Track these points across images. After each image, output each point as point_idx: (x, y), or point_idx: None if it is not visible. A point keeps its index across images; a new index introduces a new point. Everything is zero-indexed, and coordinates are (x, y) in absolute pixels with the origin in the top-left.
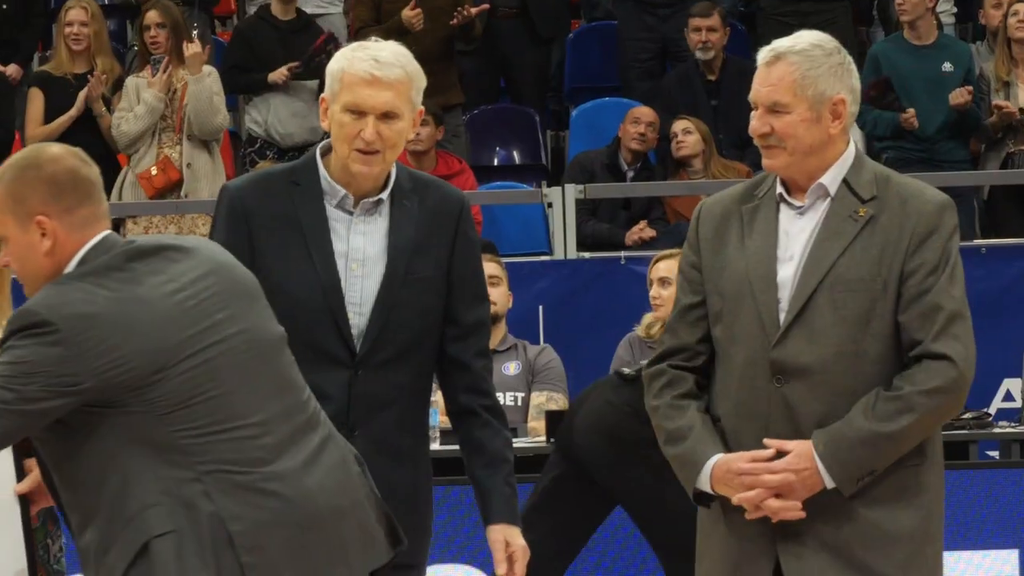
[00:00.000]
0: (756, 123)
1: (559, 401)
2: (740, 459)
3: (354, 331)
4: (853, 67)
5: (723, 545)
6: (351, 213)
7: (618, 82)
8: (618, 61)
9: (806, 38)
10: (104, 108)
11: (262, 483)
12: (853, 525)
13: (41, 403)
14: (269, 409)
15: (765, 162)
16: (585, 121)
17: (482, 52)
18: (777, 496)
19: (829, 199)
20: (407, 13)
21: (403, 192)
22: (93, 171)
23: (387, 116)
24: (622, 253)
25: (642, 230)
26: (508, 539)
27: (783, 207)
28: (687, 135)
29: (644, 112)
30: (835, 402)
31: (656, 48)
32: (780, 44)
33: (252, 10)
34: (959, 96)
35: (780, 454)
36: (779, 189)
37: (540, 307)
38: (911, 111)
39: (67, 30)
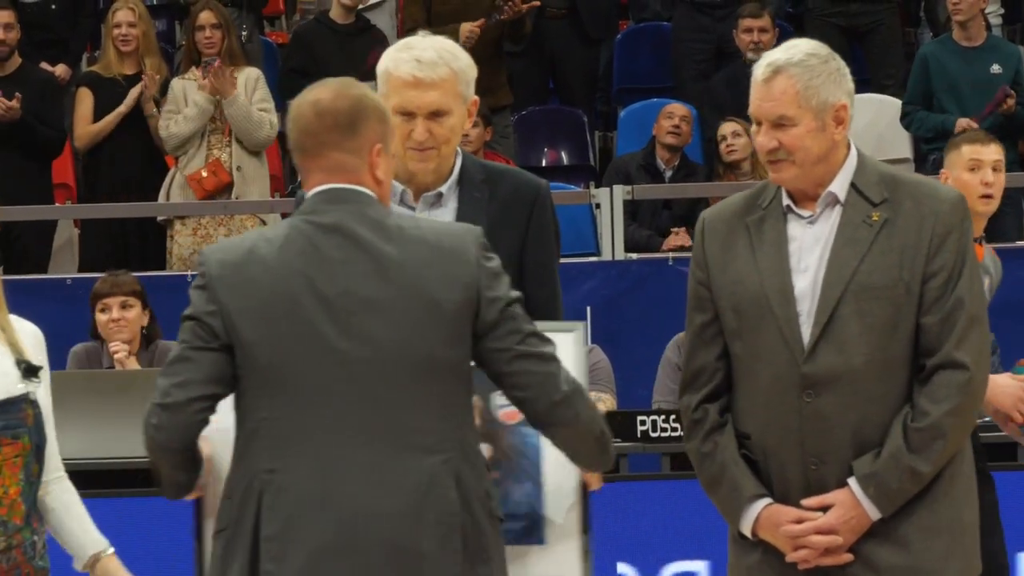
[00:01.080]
0: (763, 139)
1: (607, 402)
2: (786, 517)
3: None
4: (847, 71)
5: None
6: (412, 208)
7: (666, 82)
8: (672, 62)
9: (800, 48)
10: (155, 108)
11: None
12: (888, 525)
13: None
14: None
15: (773, 176)
16: (633, 122)
17: (530, 52)
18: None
19: (840, 206)
20: (467, 26)
21: (473, 183)
22: None
23: (436, 114)
24: (670, 254)
25: (678, 236)
26: None
27: (791, 217)
28: (736, 138)
29: (676, 108)
30: (868, 409)
31: (711, 49)
32: (775, 57)
33: (301, 11)
34: (1005, 104)
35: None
36: (786, 200)
37: (588, 308)
38: (963, 121)
39: (115, 31)
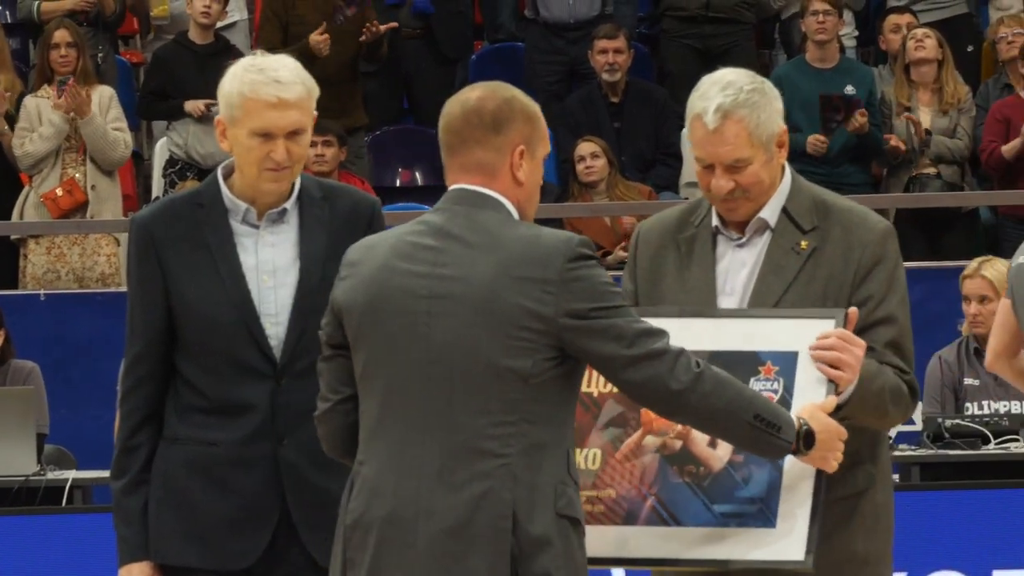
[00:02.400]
0: (720, 182)
1: None
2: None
3: (273, 342)
4: (777, 92)
5: None
6: (257, 227)
7: None
8: (525, 83)
9: (736, 83)
10: (6, 126)
11: None
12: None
13: None
14: None
15: (728, 215)
16: None
17: (385, 72)
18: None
19: (769, 231)
20: (315, 38)
21: (313, 200)
22: None
23: (295, 133)
24: None
25: None
26: None
27: (720, 239)
28: (595, 159)
29: None
30: None
31: (564, 71)
32: (720, 101)
33: (155, 28)
34: (855, 121)
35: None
36: (715, 221)
37: None
38: (815, 137)
39: None
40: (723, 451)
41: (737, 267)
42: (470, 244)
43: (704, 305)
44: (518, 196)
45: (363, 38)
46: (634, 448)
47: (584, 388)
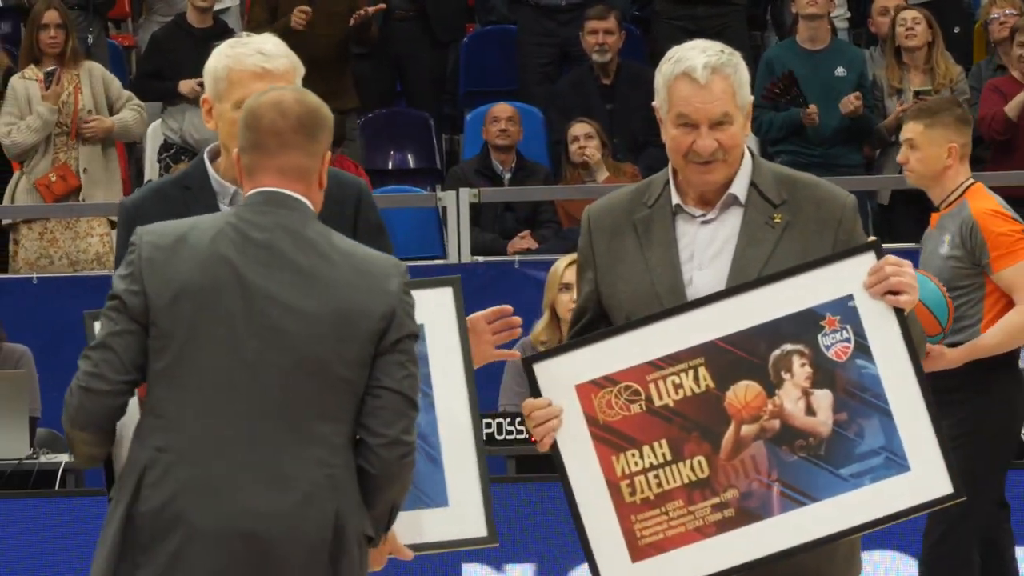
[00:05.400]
0: (705, 142)
1: None
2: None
3: None
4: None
5: None
6: None
7: (513, 86)
8: (518, 65)
9: (715, 47)
10: None
11: None
12: None
13: None
14: None
15: (705, 178)
16: (479, 125)
17: (377, 54)
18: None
19: (739, 207)
20: (295, 13)
21: None
22: None
23: None
24: (516, 257)
25: (524, 240)
26: None
27: (682, 217)
28: (589, 140)
29: (501, 109)
30: None
31: (555, 52)
32: (706, 59)
33: (148, 13)
34: (848, 104)
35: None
36: (675, 199)
37: None
38: (812, 107)
39: None
40: (823, 414)
41: (705, 242)
42: (306, 253)
43: (671, 283)
44: (317, 200)
45: (352, 22)
46: (735, 442)
47: (658, 402)
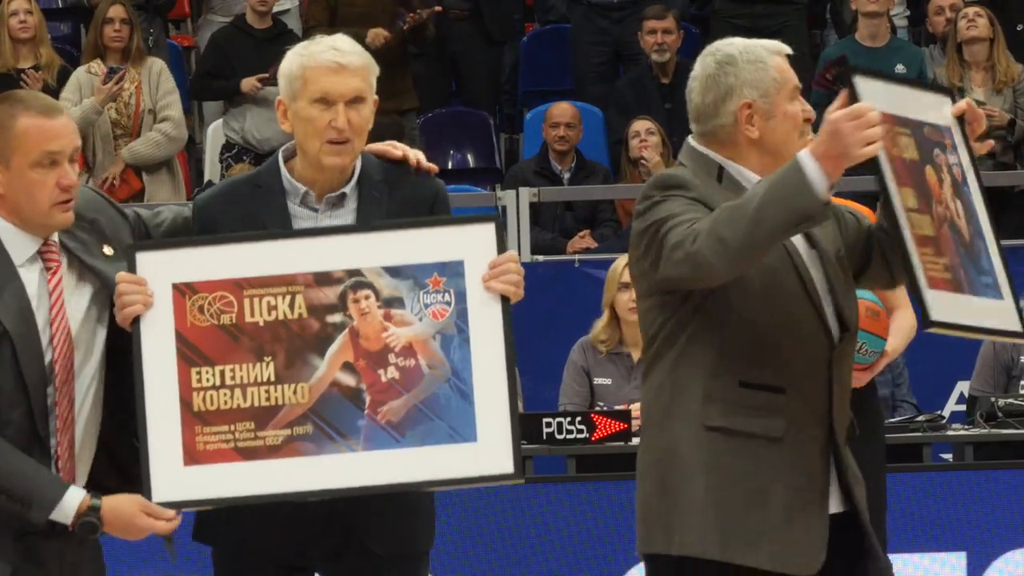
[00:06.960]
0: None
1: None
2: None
3: None
4: None
5: None
6: (316, 210)
7: (571, 85)
8: (572, 65)
9: None
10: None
11: None
12: None
13: None
14: None
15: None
16: (538, 124)
17: (432, 54)
18: None
19: None
20: (378, 31)
21: (372, 182)
22: None
23: (355, 101)
24: (576, 256)
25: (584, 239)
26: None
27: None
28: (650, 135)
29: (561, 110)
30: None
31: (609, 52)
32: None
33: (207, 12)
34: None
35: None
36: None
37: None
38: None
39: (12, 20)
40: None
41: None
42: None
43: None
44: None
45: (405, 27)
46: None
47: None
